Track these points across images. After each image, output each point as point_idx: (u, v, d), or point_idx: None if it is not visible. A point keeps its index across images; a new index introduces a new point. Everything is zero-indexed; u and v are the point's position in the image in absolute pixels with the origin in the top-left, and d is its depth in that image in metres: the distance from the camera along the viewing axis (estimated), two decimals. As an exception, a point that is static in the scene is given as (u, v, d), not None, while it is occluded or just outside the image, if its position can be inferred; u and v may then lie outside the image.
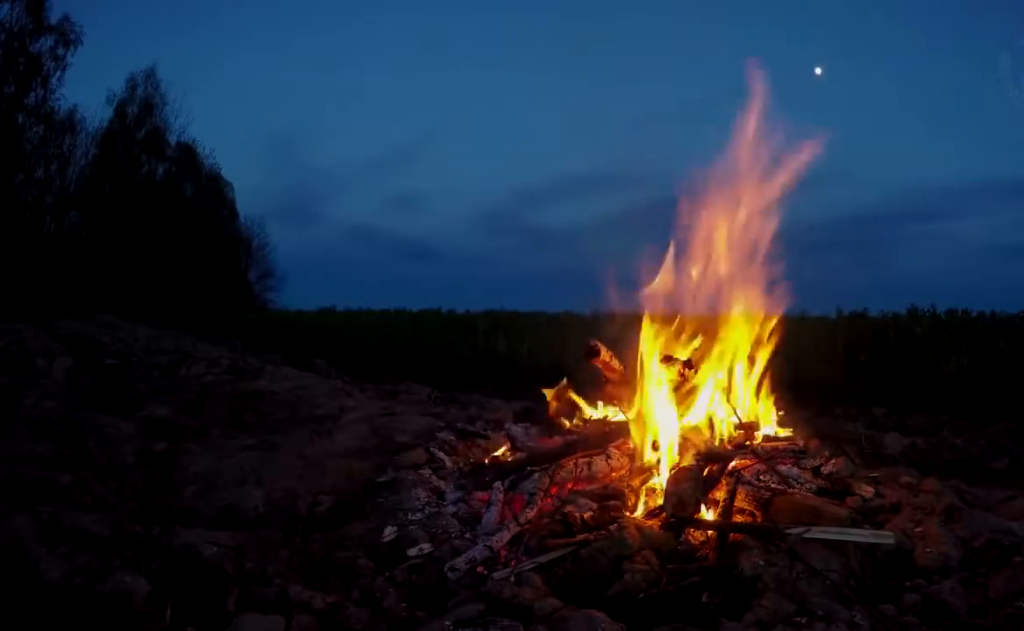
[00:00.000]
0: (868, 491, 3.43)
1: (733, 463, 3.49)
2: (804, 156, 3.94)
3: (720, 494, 3.19)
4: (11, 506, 3.02)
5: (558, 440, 4.03)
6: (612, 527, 2.84)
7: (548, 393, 4.61)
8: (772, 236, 4.09)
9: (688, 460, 3.38)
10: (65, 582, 2.43)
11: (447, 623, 2.28)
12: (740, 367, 4.28)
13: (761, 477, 3.50)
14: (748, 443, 3.89)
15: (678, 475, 3.07)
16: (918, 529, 2.97)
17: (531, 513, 3.11)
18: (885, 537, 2.78)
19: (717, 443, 3.75)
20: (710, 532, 2.88)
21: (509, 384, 8.79)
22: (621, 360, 4.33)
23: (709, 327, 4.15)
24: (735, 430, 4.01)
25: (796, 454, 3.84)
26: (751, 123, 4.10)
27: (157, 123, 29.96)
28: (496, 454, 4.27)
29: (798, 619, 2.26)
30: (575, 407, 4.58)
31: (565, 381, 4.61)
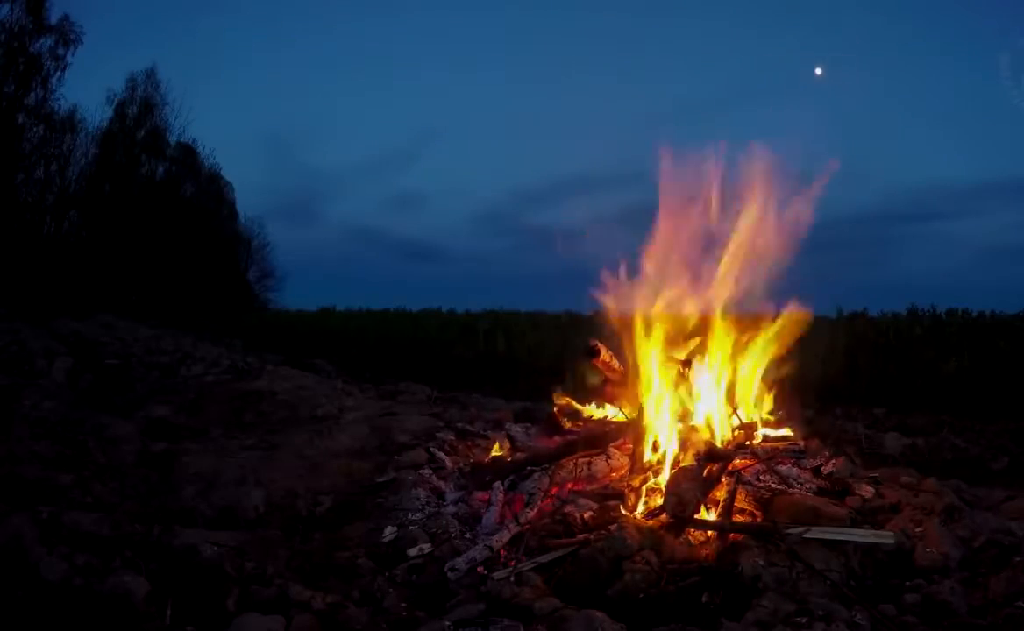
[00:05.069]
0: (868, 491, 3.43)
1: (733, 463, 3.49)
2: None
3: (720, 494, 3.19)
4: (11, 506, 3.02)
5: (558, 440, 4.03)
6: (612, 527, 2.84)
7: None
8: (774, 236, 4.08)
9: (688, 460, 3.38)
10: (65, 582, 2.42)
11: (447, 623, 2.28)
12: (740, 367, 4.27)
13: (761, 477, 3.50)
14: (748, 443, 3.88)
15: (678, 475, 3.06)
16: (918, 529, 2.97)
17: (531, 513, 3.11)
18: (885, 537, 2.78)
19: (717, 443, 3.75)
20: (710, 532, 2.89)
21: (509, 384, 8.79)
22: (621, 360, 4.33)
23: (709, 327, 4.14)
24: (735, 430, 4.01)
25: (796, 454, 3.84)
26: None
27: (157, 123, 29.97)
28: (496, 454, 4.27)
29: (798, 619, 2.26)
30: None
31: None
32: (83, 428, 4.89)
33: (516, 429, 4.55)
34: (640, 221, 4.15)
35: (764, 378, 4.33)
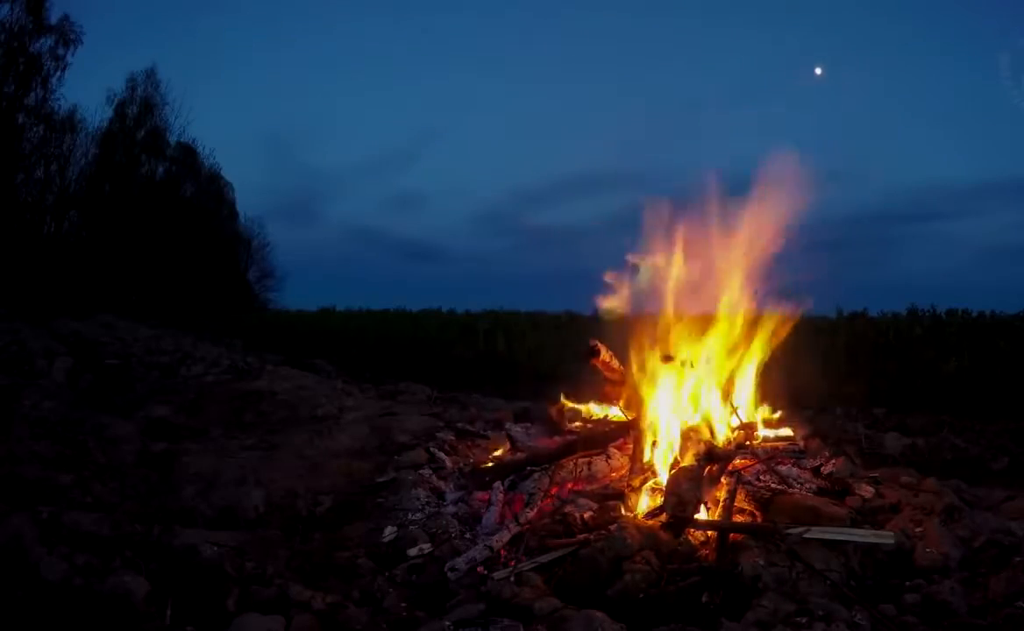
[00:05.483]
0: (868, 491, 3.43)
1: (733, 463, 3.50)
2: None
3: (720, 494, 3.19)
4: (11, 506, 3.02)
5: (558, 440, 4.03)
6: (612, 527, 2.84)
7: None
8: (774, 236, 4.08)
9: (688, 460, 3.38)
10: (65, 582, 2.42)
11: (447, 623, 2.28)
12: (740, 367, 4.27)
13: (761, 477, 3.50)
14: (748, 443, 3.89)
15: (678, 475, 3.06)
16: (918, 529, 2.97)
17: (531, 513, 3.11)
18: (885, 537, 2.78)
19: (717, 443, 3.75)
20: (710, 532, 2.88)
21: (509, 384, 8.79)
22: (621, 360, 4.33)
23: (709, 327, 4.15)
24: (735, 430, 4.01)
25: (796, 454, 3.84)
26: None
27: (157, 123, 29.91)
28: (496, 454, 4.27)
29: (798, 619, 2.26)
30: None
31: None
32: (83, 428, 4.89)
33: (516, 429, 4.55)
34: (639, 221, 4.15)
35: (763, 378, 4.33)
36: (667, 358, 3.84)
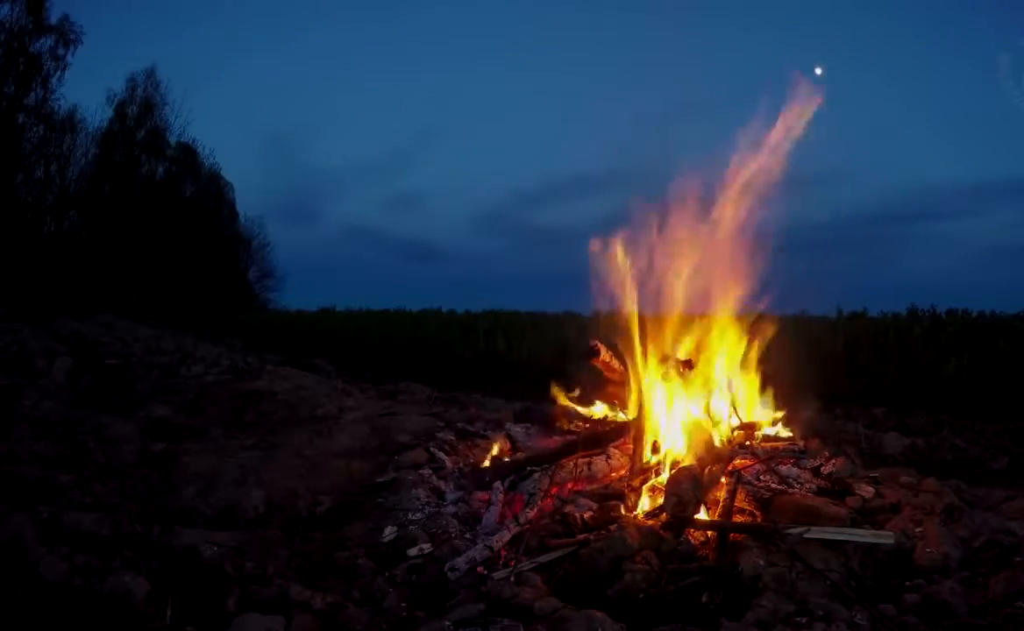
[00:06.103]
0: (868, 491, 3.42)
1: (733, 463, 3.49)
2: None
3: (720, 494, 3.19)
4: (11, 506, 3.03)
5: (558, 440, 4.03)
6: (612, 527, 2.84)
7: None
8: (772, 235, 4.09)
9: (688, 460, 3.38)
10: (65, 582, 2.43)
11: (447, 623, 2.28)
12: (740, 367, 4.27)
13: (761, 477, 3.50)
14: (748, 443, 3.89)
15: (678, 475, 3.06)
16: (918, 529, 2.97)
17: (531, 513, 3.11)
18: (885, 537, 2.78)
19: (717, 443, 3.75)
20: (710, 532, 2.89)
21: (509, 384, 8.80)
22: (621, 360, 4.32)
23: (709, 327, 4.15)
24: (735, 430, 4.01)
25: (796, 454, 3.84)
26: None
27: (157, 123, 29.98)
28: (496, 454, 4.27)
29: (798, 619, 2.25)
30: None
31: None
32: (83, 428, 4.89)
33: (516, 429, 4.55)
34: (639, 220, 4.15)
35: (763, 378, 4.34)
36: (667, 359, 3.85)
